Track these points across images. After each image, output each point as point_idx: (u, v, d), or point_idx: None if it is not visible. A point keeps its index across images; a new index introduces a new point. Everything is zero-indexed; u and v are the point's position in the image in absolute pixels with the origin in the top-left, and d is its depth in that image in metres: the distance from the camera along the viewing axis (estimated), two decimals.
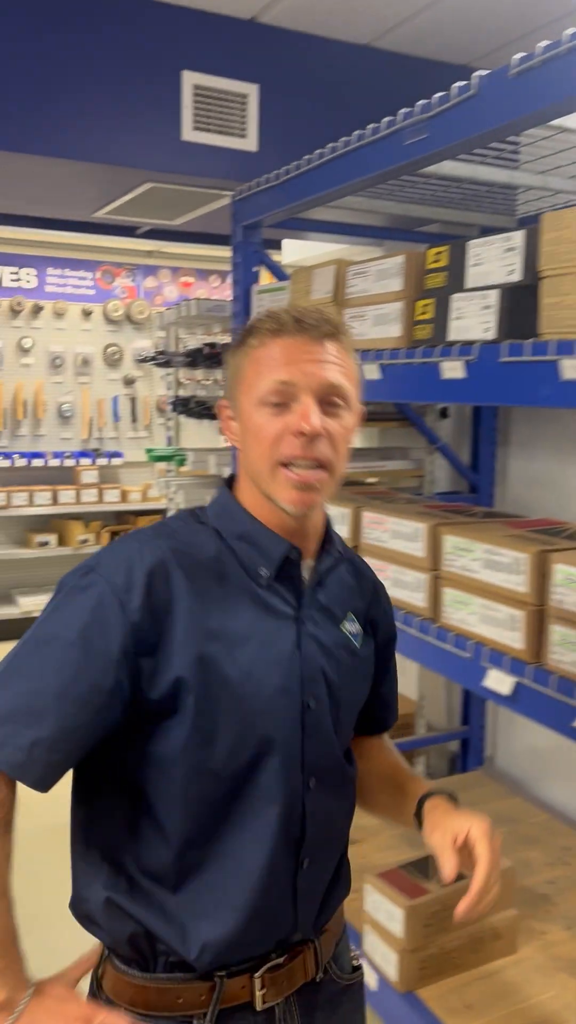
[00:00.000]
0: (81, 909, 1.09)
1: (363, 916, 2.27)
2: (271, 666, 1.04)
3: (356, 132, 2.12)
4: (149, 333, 6.29)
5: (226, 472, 3.23)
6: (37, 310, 5.82)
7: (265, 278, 2.97)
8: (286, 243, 4.05)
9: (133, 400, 6.29)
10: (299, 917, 1.10)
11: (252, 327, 1.08)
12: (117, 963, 1.08)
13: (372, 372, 2.07)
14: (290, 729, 1.05)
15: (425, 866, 2.32)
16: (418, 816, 1.13)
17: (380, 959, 2.20)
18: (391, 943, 2.15)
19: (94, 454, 6.02)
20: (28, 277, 5.84)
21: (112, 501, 5.99)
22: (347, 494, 2.56)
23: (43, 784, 0.97)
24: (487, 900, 0.99)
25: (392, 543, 2.10)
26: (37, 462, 5.68)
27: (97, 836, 1.08)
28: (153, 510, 6.22)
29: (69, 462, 5.87)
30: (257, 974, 1.07)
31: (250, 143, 2.91)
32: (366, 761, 1.27)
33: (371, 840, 2.90)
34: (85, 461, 5.94)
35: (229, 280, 6.62)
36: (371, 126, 2.05)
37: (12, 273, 5.80)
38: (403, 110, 1.94)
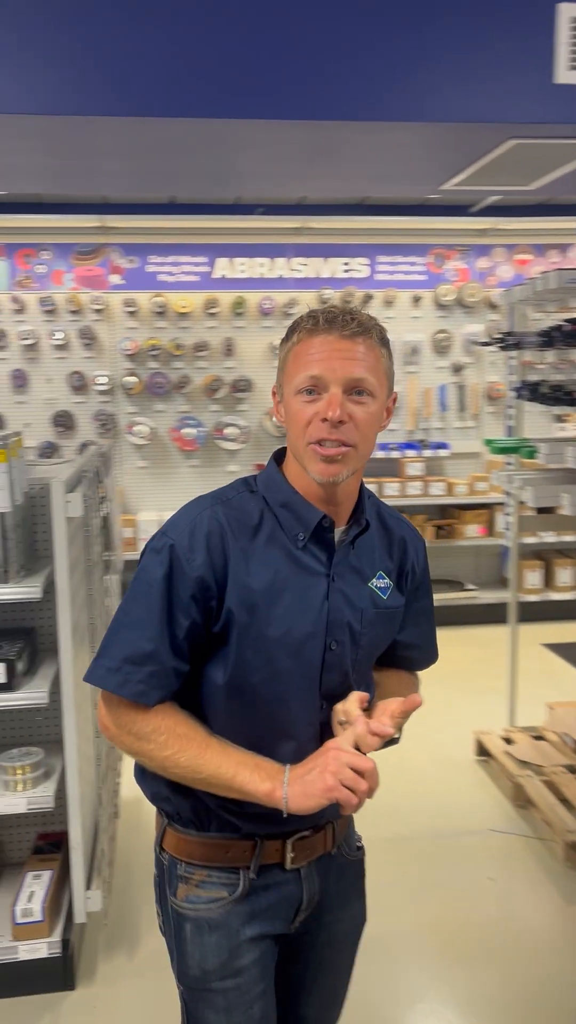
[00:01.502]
0: (151, 788, 1.38)
1: None
2: (303, 614, 1.27)
3: None
4: (481, 316, 5.94)
5: None
6: (367, 300, 5.74)
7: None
8: None
9: (461, 388, 5.99)
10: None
11: (296, 324, 1.25)
12: (177, 827, 1.37)
13: None
14: (313, 666, 1.29)
15: None
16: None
17: None
18: None
19: (420, 445, 5.83)
20: (360, 267, 5.78)
21: (437, 494, 5.77)
22: None
23: (161, 700, 1.25)
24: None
25: None
26: None
27: None
28: (480, 504, 5.87)
29: (395, 454, 5.73)
30: (289, 840, 1.36)
31: None
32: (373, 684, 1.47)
33: None
34: (411, 453, 5.76)
35: (573, 254, 6.06)
36: None
37: (344, 264, 5.78)
38: None
